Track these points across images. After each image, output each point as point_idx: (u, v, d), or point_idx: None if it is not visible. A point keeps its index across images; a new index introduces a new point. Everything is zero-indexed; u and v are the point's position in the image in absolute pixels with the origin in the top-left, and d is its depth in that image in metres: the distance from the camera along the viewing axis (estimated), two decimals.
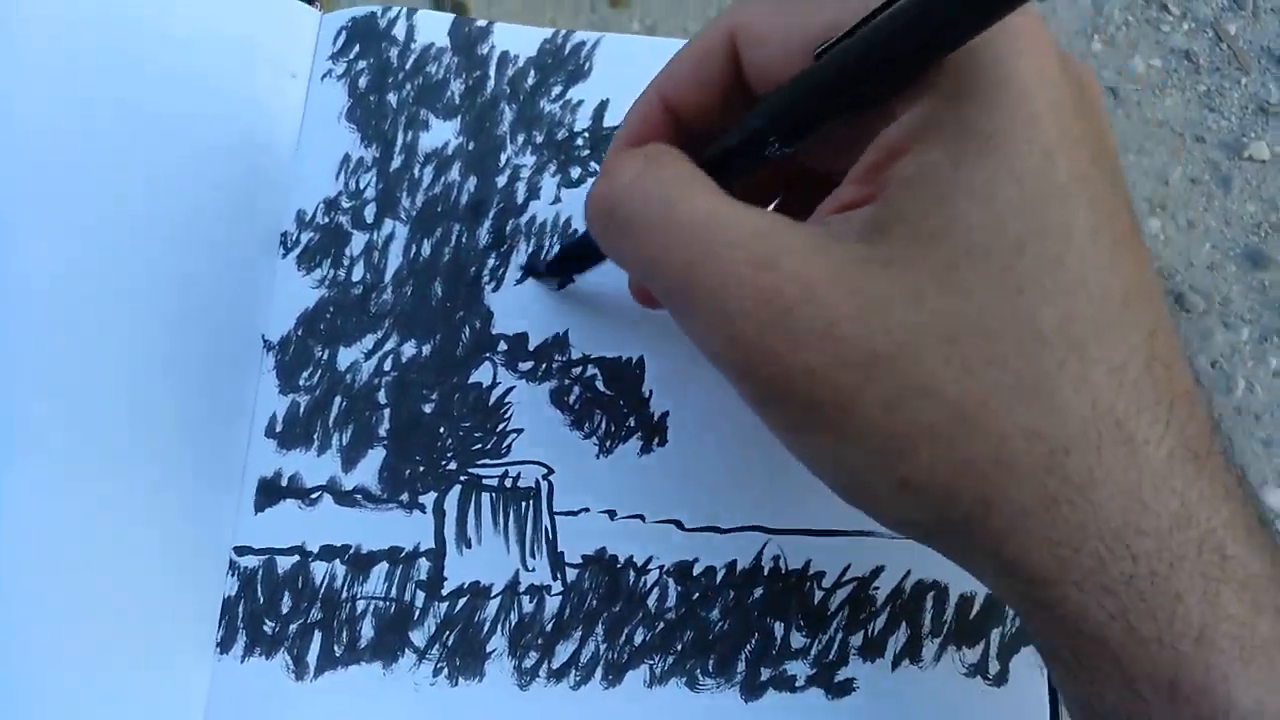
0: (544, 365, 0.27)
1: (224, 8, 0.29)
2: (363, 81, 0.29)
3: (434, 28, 0.30)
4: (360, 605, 0.26)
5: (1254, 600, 0.16)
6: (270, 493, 0.26)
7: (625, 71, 0.29)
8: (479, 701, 0.25)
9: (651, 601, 0.26)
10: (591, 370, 0.27)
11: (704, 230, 0.17)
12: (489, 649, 0.26)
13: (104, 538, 0.25)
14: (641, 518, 0.26)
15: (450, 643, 0.26)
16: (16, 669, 0.23)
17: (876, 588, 0.26)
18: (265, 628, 0.25)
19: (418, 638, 0.26)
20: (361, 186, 0.28)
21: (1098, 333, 0.16)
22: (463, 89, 0.29)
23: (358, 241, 0.28)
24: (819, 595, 0.26)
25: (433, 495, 0.26)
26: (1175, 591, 0.16)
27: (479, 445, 0.27)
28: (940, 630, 0.26)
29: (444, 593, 0.26)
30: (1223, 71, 0.39)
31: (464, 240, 0.28)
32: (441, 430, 0.27)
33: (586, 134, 0.29)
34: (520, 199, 0.29)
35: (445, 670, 0.25)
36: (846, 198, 0.18)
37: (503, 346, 0.28)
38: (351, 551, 0.26)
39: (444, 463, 0.27)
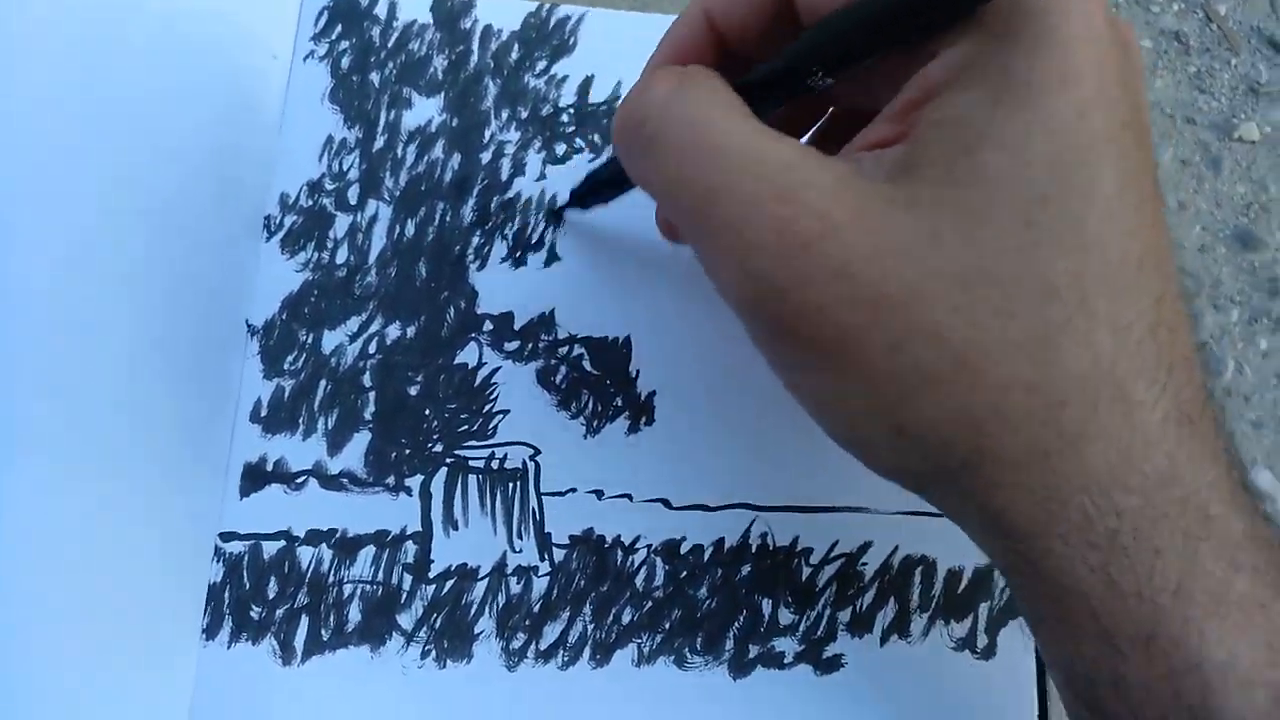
0: (530, 345, 0.27)
1: None
2: (345, 62, 0.29)
3: (416, 4, 0.29)
4: (347, 589, 0.26)
5: (1232, 558, 0.16)
6: (255, 478, 0.26)
7: (611, 47, 0.29)
8: (467, 683, 0.25)
9: (639, 581, 0.26)
10: (578, 350, 0.27)
11: (732, 156, 0.17)
12: (477, 631, 0.25)
13: (88, 525, 0.25)
14: (629, 497, 0.26)
15: (438, 625, 0.25)
16: (3, 656, 0.23)
17: (864, 563, 0.26)
18: (251, 613, 0.25)
19: (405, 620, 0.25)
20: (345, 168, 0.28)
21: (1109, 293, 0.16)
22: (445, 64, 0.29)
23: (341, 224, 0.28)
24: (807, 572, 0.26)
25: (419, 478, 0.26)
26: (1155, 547, 0.16)
27: (465, 427, 0.27)
28: (928, 605, 0.26)
29: (431, 575, 0.26)
30: (1213, 52, 0.38)
31: (448, 219, 0.28)
32: (427, 412, 0.27)
33: (572, 110, 0.29)
34: (505, 176, 0.28)
35: (433, 652, 0.25)
36: (878, 135, 0.18)
37: (488, 326, 0.27)
38: (338, 535, 0.26)
39: (430, 445, 0.27)
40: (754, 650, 0.26)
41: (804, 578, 0.26)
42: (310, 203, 0.28)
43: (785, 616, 0.26)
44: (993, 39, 0.16)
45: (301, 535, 0.26)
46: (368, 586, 0.26)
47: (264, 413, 0.27)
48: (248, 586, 0.25)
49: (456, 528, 0.26)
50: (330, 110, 0.29)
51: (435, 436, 0.27)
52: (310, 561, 0.26)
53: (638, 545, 0.26)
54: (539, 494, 0.26)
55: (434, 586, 0.26)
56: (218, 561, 0.26)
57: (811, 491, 0.26)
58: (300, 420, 0.27)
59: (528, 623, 0.26)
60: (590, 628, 0.26)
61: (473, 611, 0.26)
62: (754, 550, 0.26)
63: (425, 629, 0.25)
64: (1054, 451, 0.16)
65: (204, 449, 0.26)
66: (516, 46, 0.29)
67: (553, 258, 0.28)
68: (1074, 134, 0.16)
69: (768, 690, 0.25)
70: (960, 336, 0.16)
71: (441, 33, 0.29)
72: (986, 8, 0.16)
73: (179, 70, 0.28)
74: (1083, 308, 0.16)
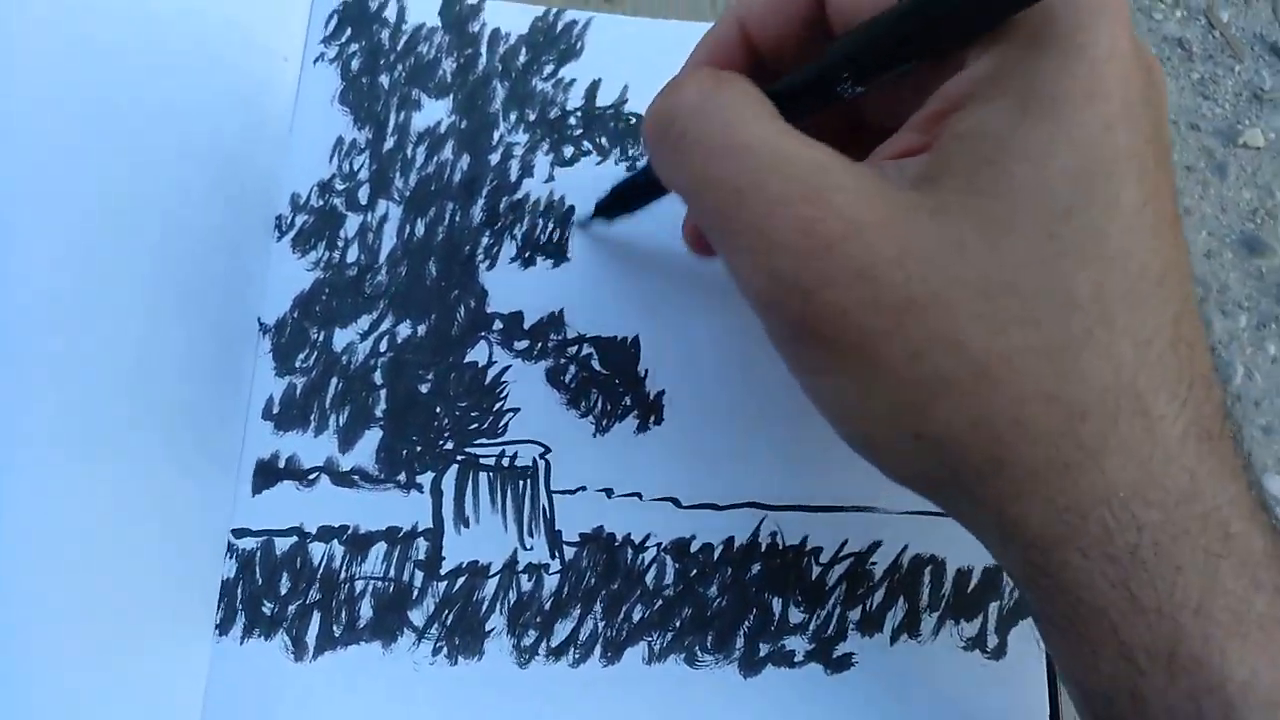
0: (540, 344, 0.27)
1: None
2: (355, 64, 0.29)
3: (425, 7, 0.30)
4: (359, 585, 0.26)
5: (1253, 577, 0.16)
6: (268, 474, 0.26)
7: (617, 52, 0.29)
8: (478, 680, 0.25)
9: (649, 579, 0.26)
10: (587, 349, 0.27)
11: (761, 156, 0.17)
12: (488, 628, 0.26)
13: (102, 521, 0.25)
14: (639, 496, 0.26)
15: (449, 622, 0.26)
16: (16, 652, 0.23)
17: (874, 562, 0.26)
18: (264, 609, 0.25)
19: (416, 617, 0.26)
20: (355, 168, 0.28)
21: (1129, 306, 0.16)
22: (454, 67, 0.29)
23: (352, 223, 0.28)
24: (816, 571, 0.26)
25: (430, 475, 0.26)
26: (1176, 563, 0.16)
27: (475, 425, 0.27)
28: (938, 604, 0.26)
29: (442, 572, 0.26)
30: (1216, 59, 0.39)
31: (458, 219, 0.28)
32: (438, 410, 0.27)
33: (579, 113, 0.29)
34: (514, 177, 0.29)
35: (444, 649, 0.25)
36: (904, 144, 0.18)
37: (498, 325, 0.28)
38: (349, 532, 0.26)
39: (441, 442, 0.27)
40: (764, 649, 0.26)
41: (814, 577, 0.26)
42: (321, 203, 0.28)
43: (795, 615, 0.26)
44: (1020, 53, 0.16)
45: (313, 532, 0.26)
46: (379, 583, 0.26)
47: (276, 410, 0.27)
48: (260, 582, 0.25)
49: (467, 525, 0.26)
50: (340, 112, 0.29)
51: (446, 434, 0.27)
52: (322, 558, 0.26)
53: (648, 544, 0.26)
54: (549, 492, 0.26)
55: (445, 583, 0.26)
56: (230, 558, 0.26)
57: (821, 491, 0.26)
58: (312, 417, 0.27)
59: (539, 620, 0.26)
60: (601, 625, 0.26)
61: (484, 608, 0.26)
62: (764, 549, 0.26)
63: (436, 626, 0.26)
64: (1074, 463, 0.16)
65: (217, 446, 0.26)
66: (524, 49, 0.30)
67: (562, 258, 0.28)
68: (1099, 148, 0.16)
69: (778, 689, 0.25)
70: (981, 345, 0.16)
71: (450, 36, 0.29)
72: (1016, 21, 0.16)
73: (192, 74, 0.28)
74: (1104, 320, 0.16)
